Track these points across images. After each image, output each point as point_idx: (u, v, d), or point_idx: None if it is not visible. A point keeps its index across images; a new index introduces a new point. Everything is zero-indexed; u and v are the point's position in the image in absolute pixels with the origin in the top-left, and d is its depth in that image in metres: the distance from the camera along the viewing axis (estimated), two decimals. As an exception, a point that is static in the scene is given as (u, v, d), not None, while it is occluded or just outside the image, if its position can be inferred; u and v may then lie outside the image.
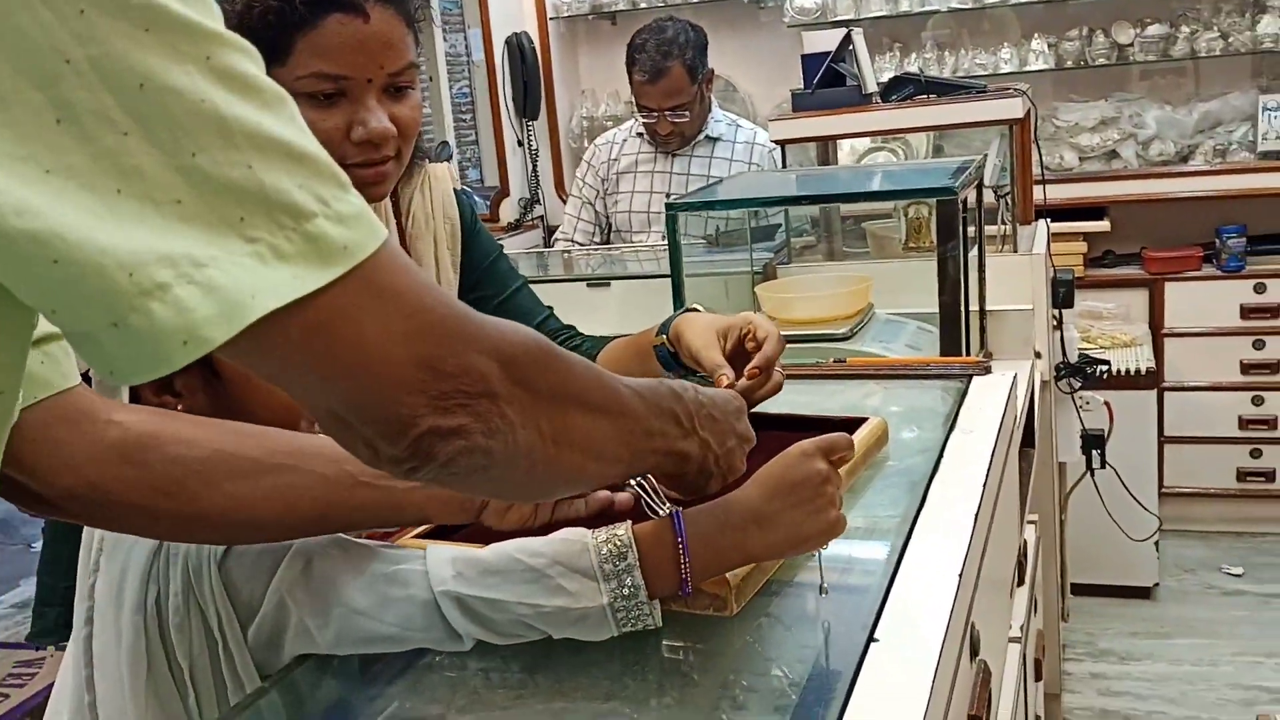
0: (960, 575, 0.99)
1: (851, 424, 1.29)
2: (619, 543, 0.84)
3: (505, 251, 1.60)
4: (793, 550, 0.92)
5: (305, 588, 0.84)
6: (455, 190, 1.51)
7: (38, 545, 4.96)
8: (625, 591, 0.83)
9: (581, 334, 1.55)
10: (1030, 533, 2.03)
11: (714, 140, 3.15)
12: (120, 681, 0.89)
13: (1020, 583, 1.77)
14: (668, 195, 3.03)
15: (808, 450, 0.90)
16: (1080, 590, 3.25)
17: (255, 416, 0.93)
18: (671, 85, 2.96)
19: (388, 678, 0.92)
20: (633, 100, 3.15)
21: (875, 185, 2.05)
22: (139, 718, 0.88)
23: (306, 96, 1.18)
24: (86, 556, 0.95)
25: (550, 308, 1.58)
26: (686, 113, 3.02)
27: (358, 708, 0.91)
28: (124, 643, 0.89)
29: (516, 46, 4.07)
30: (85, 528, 1.17)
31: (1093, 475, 2.85)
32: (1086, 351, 2.90)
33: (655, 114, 3.03)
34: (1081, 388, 2.65)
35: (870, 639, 0.90)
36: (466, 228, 1.50)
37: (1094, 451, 2.75)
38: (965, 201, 1.70)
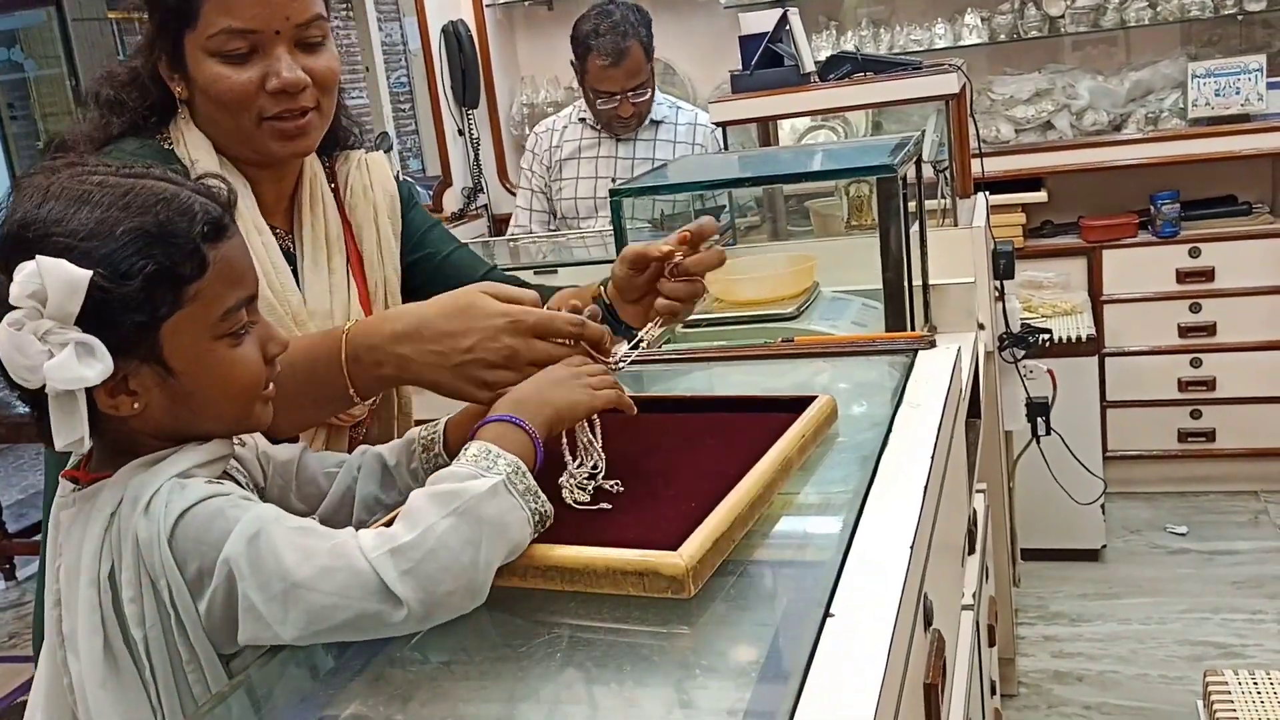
0: (912, 547, 1.01)
1: (800, 403, 1.30)
2: (478, 447, 0.94)
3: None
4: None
5: (250, 561, 0.85)
6: (394, 175, 1.54)
7: None
8: (506, 469, 0.92)
9: (527, 284, 1.56)
10: (979, 501, 2.07)
11: (657, 123, 3.15)
12: (81, 668, 0.90)
13: (971, 551, 1.80)
14: (613, 180, 3.03)
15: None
16: (1030, 555, 3.31)
17: (210, 406, 0.94)
18: (633, 65, 2.96)
19: (349, 674, 0.92)
20: (577, 86, 3.14)
21: (816, 165, 2.07)
22: (97, 690, 0.89)
23: (220, 56, 1.23)
24: (54, 538, 0.96)
25: (494, 264, 1.62)
26: (646, 92, 3.03)
27: (320, 705, 0.91)
28: (81, 617, 0.89)
29: (453, 35, 4.04)
30: (49, 514, 1.17)
31: (1038, 442, 2.91)
32: (1028, 321, 2.95)
33: (618, 97, 3.01)
34: (1025, 357, 2.69)
35: (826, 614, 0.91)
36: (404, 202, 1.53)
37: (1039, 419, 2.81)
38: (905, 178, 1.72)
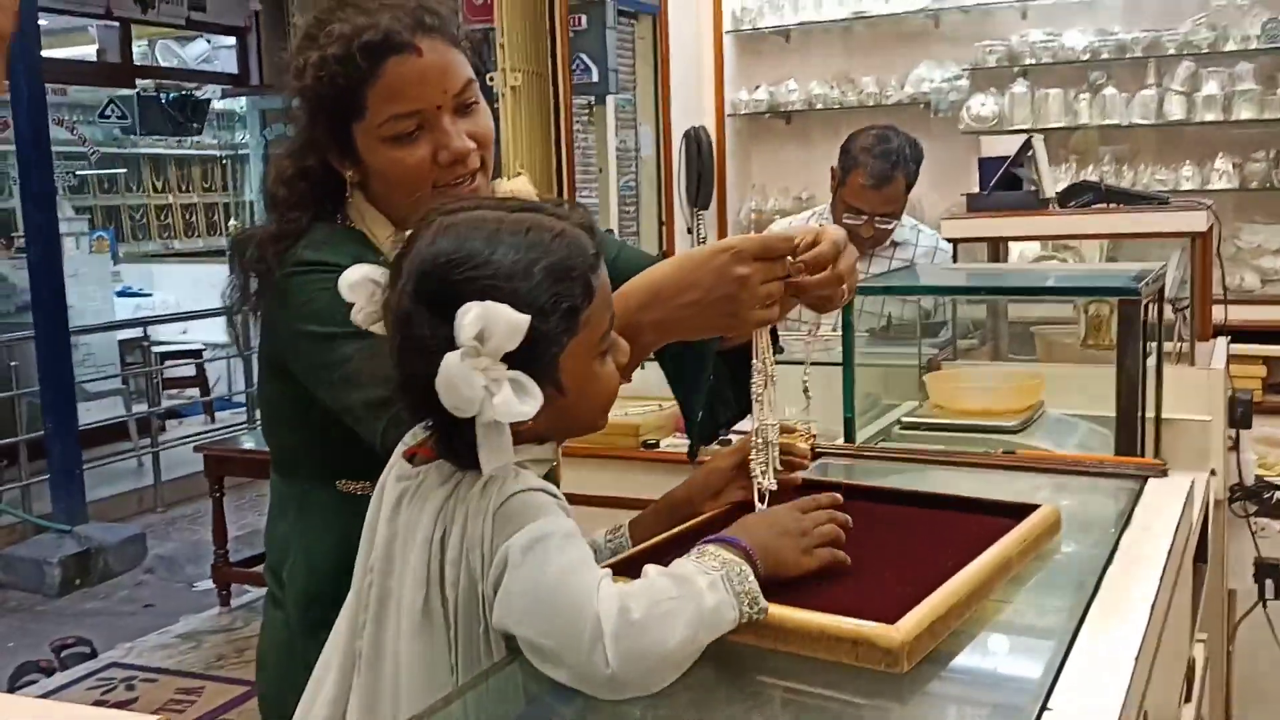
0: (1136, 658, 0.98)
1: (1022, 510, 1.28)
2: (711, 548, 0.97)
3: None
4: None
5: (525, 556, 0.90)
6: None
7: (199, 585, 5.17)
8: (726, 566, 0.94)
9: None
10: (1199, 651, 1.95)
11: (897, 244, 3.17)
12: (396, 624, 0.98)
13: (1188, 699, 1.70)
14: None
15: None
16: (1248, 731, 3.06)
17: (582, 416, 1.03)
18: (891, 193, 3.00)
19: (554, 705, 0.95)
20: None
21: (1057, 283, 2.04)
22: (411, 639, 0.96)
23: (391, 140, 1.28)
24: (375, 509, 1.04)
25: (660, 255, 1.62)
26: (892, 222, 3.05)
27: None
28: (411, 572, 0.97)
29: (694, 139, 4.21)
30: (272, 537, 1.30)
31: (1265, 606, 2.71)
32: (1265, 477, 2.77)
33: (864, 217, 3.06)
34: (1257, 513, 2.53)
35: (1043, 708, 0.89)
36: None
37: (1267, 580, 2.62)
38: (1147, 306, 1.69)
